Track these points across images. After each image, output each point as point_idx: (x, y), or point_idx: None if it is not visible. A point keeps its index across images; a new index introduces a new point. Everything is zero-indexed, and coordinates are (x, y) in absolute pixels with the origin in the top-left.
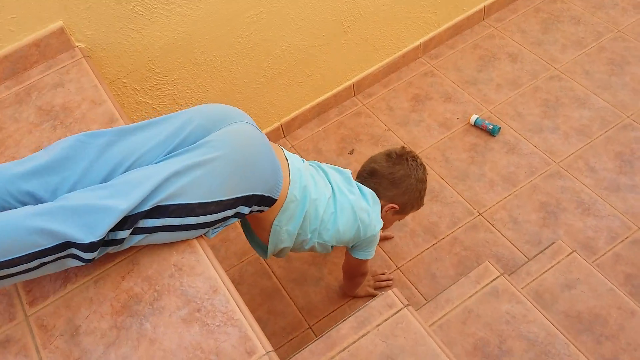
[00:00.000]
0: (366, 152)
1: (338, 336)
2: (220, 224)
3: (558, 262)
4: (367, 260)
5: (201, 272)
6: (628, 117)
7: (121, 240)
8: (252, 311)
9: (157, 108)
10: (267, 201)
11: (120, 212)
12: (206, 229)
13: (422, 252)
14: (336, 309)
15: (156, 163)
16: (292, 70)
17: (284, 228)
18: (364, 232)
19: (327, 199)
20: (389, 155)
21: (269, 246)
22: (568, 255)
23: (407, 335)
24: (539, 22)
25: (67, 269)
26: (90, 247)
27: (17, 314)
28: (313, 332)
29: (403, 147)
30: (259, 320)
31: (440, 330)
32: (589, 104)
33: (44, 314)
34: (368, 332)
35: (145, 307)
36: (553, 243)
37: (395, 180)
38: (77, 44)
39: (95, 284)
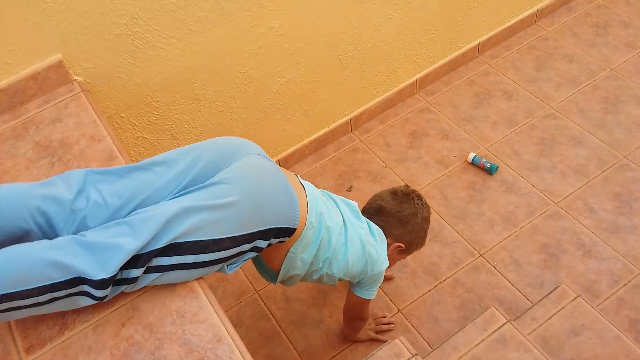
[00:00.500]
0: (364, 189)
1: None
2: (236, 258)
3: (563, 308)
4: (368, 301)
5: (204, 319)
6: (624, 156)
7: (134, 279)
8: (251, 355)
9: (155, 143)
10: (287, 232)
11: (131, 250)
12: (221, 265)
13: (423, 295)
14: (337, 354)
15: (168, 200)
16: (290, 106)
17: (299, 256)
18: (371, 268)
19: (339, 228)
20: (395, 193)
21: (280, 272)
22: (573, 300)
23: None
24: (533, 60)
25: (65, 316)
26: (101, 284)
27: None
28: None
29: (407, 186)
30: None
31: None
32: (585, 143)
33: None
34: None
35: (146, 357)
36: (557, 287)
37: (402, 218)
38: (75, 77)
39: (94, 330)
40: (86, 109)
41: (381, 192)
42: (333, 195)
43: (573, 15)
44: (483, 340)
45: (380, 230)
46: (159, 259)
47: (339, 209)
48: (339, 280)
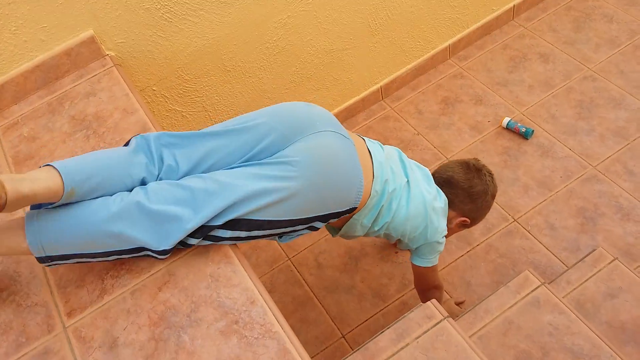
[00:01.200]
0: None
1: (376, 349)
2: (290, 235)
3: (599, 271)
4: (433, 268)
5: (238, 283)
6: None
7: (191, 245)
8: (285, 319)
9: (187, 115)
10: (348, 212)
11: (190, 228)
12: (272, 238)
13: (456, 260)
14: (369, 318)
15: (233, 168)
16: (319, 75)
17: (360, 221)
18: (431, 235)
19: (402, 190)
20: (467, 167)
21: (341, 231)
22: (610, 263)
23: (448, 349)
24: (571, 21)
25: (104, 282)
26: (162, 252)
27: (55, 325)
28: (346, 342)
29: (477, 160)
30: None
31: (480, 342)
32: (625, 105)
33: (81, 325)
34: (407, 344)
35: (182, 319)
36: (593, 250)
37: (473, 194)
38: (107, 52)
39: (132, 295)
40: (119, 82)
41: (450, 162)
42: (404, 156)
43: None
44: (516, 303)
45: (447, 201)
46: (217, 230)
47: (405, 171)
48: (397, 240)
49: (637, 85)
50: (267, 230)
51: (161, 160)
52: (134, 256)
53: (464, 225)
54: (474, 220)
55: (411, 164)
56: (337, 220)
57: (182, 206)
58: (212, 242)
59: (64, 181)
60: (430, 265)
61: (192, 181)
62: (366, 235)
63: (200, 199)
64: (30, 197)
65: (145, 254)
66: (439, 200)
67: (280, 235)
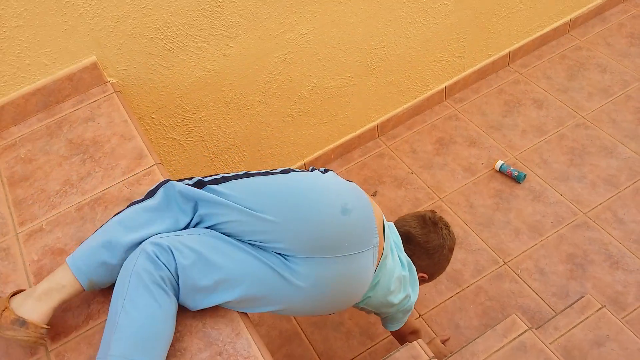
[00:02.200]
0: (389, 194)
1: None
2: None
3: (587, 318)
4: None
5: (224, 315)
6: None
7: None
8: (270, 354)
9: (184, 144)
10: None
11: None
12: None
13: (445, 301)
14: (356, 357)
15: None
16: (317, 110)
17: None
18: (402, 305)
19: (392, 274)
20: (423, 221)
21: None
22: (597, 310)
23: None
24: (565, 69)
25: (90, 307)
26: None
27: (38, 349)
28: None
29: (434, 212)
30: None
31: None
32: (617, 154)
33: (65, 350)
34: None
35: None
36: (582, 297)
37: (430, 249)
38: (109, 79)
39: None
40: (118, 109)
41: (407, 216)
42: (393, 230)
43: (607, 25)
44: (502, 347)
45: (410, 261)
46: None
47: (397, 253)
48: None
49: (629, 134)
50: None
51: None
52: None
53: (422, 281)
54: (432, 275)
55: (394, 240)
56: None
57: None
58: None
59: (78, 278)
60: (403, 324)
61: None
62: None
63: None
64: (57, 308)
65: None
66: (402, 265)
67: None
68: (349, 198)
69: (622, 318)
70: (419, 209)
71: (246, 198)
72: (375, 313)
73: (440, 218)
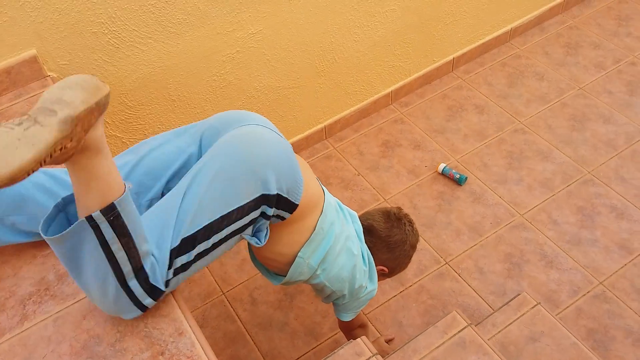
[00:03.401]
0: (336, 195)
1: None
2: (250, 227)
3: (523, 315)
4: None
5: (167, 314)
6: (589, 172)
7: (168, 283)
8: (215, 355)
9: (127, 142)
10: (288, 205)
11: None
12: (238, 236)
13: (389, 300)
14: (301, 356)
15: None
16: (265, 111)
17: (307, 261)
18: (357, 292)
19: (345, 240)
20: (387, 215)
21: (286, 277)
22: (533, 307)
23: None
24: (505, 76)
25: (25, 307)
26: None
27: None
28: None
29: (400, 209)
30: None
31: None
32: (552, 158)
33: None
34: None
35: (106, 349)
36: (518, 295)
37: (391, 244)
38: (49, 73)
39: (55, 322)
40: None
41: (373, 210)
42: (345, 207)
43: (545, 35)
44: (443, 343)
45: (370, 253)
46: (178, 259)
47: (351, 223)
48: (325, 296)
49: (563, 140)
50: (226, 229)
51: None
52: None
53: (382, 275)
54: (393, 270)
55: (351, 217)
56: (282, 263)
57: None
58: (184, 272)
59: None
60: (355, 316)
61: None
62: (307, 281)
63: (154, 237)
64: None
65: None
66: (362, 258)
67: (242, 233)
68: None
69: (556, 315)
70: (365, 210)
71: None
72: (331, 300)
73: (406, 215)
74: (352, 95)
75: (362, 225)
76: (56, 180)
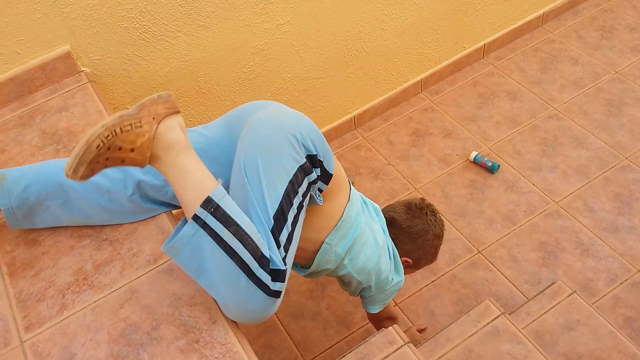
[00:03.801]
0: (365, 185)
1: None
2: (313, 185)
3: (558, 303)
4: (385, 308)
5: (200, 302)
6: (626, 158)
7: (285, 262)
8: (249, 344)
9: None
10: (325, 174)
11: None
12: (309, 194)
13: (420, 289)
14: (333, 345)
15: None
16: (294, 101)
17: (334, 248)
18: (383, 283)
19: (370, 232)
20: (408, 206)
21: (312, 265)
22: (568, 296)
23: None
24: (538, 62)
25: (65, 297)
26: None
27: (12, 339)
28: None
29: (423, 199)
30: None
31: None
32: (587, 144)
33: (39, 340)
34: None
35: (142, 337)
36: (553, 283)
37: (413, 234)
38: (83, 68)
39: (93, 311)
40: (92, 99)
41: (395, 203)
42: (369, 201)
43: (579, 19)
44: (476, 332)
45: (394, 246)
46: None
47: (375, 216)
48: (352, 289)
49: (599, 125)
50: (297, 197)
51: None
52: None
53: (408, 266)
54: (418, 261)
55: (376, 210)
56: (309, 251)
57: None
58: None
59: None
60: (382, 308)
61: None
62: (333, 272)
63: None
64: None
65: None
66: (390, 249)
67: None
68: None
69: (593, 303)
70: (395, 200)
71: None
72: (358, 292)
73: (428, 205)
74: (381, 85)
75: (385, 217)
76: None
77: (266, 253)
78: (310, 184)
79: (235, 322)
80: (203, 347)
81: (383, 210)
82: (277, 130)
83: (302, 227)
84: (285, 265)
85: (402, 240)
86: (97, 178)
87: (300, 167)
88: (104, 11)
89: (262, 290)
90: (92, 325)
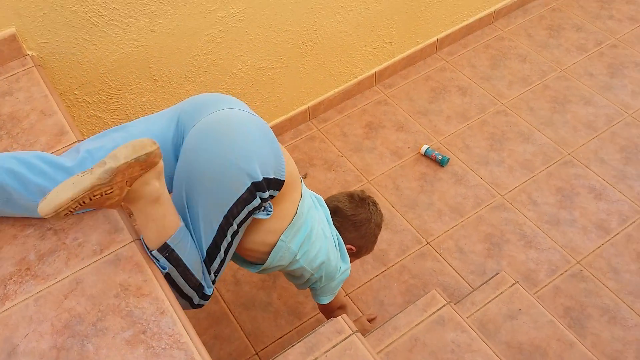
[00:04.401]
0: (319, 176)
1: None
2: (257, 211)
3: (501, 293)
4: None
5: (148, 293)
6: (568, 153)
7: (214, 282)
8: (198, 335)
9: (109, 122)
10: (276, 183)
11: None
12: (250, 218)
13: (371, 280)
14: (284, 335)
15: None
16: (248, 91)
17: (288, 245)
18: (332, 273)
19: (319, 224)
20: (351, 196)
21: (265, 263)
22: (511, 286)
23: None
24: (488, 58)
25: (6, 287)
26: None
27: None
28: (259, 358)
29: (363, 191)
30: (204, 345)
31: (387, 358)
32: (533, 140)
33: None
34: (316, 358)
35: (87, 328)
36: (497, 274)
37: (357, 223)
38: (28, 52)
39: (36, 302)
40: (38, 83)
41: (338, 194)
42: (311, 192)
43: (528, 17)
44: (423, 320)
45: (339, 235)
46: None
47: (319, 207)
48: (302, 282)
49: (544, 122)
50: (233, 224)
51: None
52: None
53: (351, 254)
54: (360, 249)
55: (319, 203)
56: (261, 251)
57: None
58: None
59: None
60: (333, 298)
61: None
62: (286, 267)
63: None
64: None
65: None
66: (335, 239)
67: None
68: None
69: (534, 293)
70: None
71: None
72: (308, 285)
73: (369, 196)
74: (336, 77)
75: (329, 206)
76: (28, 166)
77: (203, 282)
78: (254, 209)
79: (183, 313)
80: (150, 338)
81: (326, 200)
82: (225, 161)
83: (256, 232)
84: (213, 286)
85: (346, 228)
86: (41, 180)
87: (240, 198)
88: None
89: (191, 306)
90: (35, 316)
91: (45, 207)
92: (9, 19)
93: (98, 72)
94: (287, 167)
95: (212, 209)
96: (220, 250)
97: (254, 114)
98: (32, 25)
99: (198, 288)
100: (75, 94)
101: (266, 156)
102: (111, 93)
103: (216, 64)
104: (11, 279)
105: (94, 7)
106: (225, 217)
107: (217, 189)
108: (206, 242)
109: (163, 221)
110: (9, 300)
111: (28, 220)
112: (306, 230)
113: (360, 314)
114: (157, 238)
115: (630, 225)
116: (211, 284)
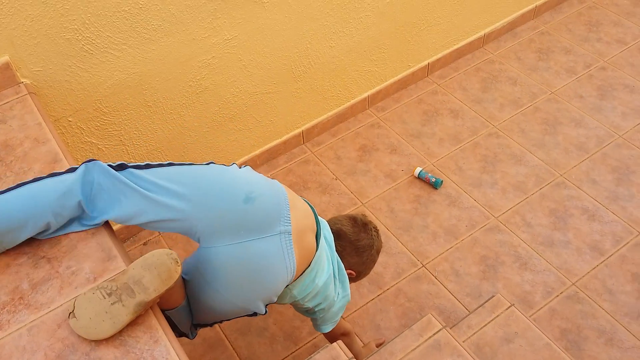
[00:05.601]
0: (314, 200)
1: None
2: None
3: (497, 316)
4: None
5: (142, 322)
6: (561, 175)
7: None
8: None
9: (103, 148)
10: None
11: None
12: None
13: (367, 303)
14: None
15: None
16: (242, 116)
17: (292, 292)
18: (331, 303)
19: (328, 277)
20: (354, 220)
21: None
22: (507, 309)
23: None
24: (479, 81)
25: (0, 316)
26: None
27: None
28: None
29: (364, 215)
30: None
31: None
32: (525, 162)
33: None
34: None
35: (81, 357)
36: (492, 297)
37: (359, 248)
38: (22, 79)
39: (29, 332)
40: (32, 111)
41: (340, 216)
42: (325, 227)
43: (517, 41)
44: (419, 345)
45: (341, 262)
46: None
47: (331, 254)
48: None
49: (536, 143)
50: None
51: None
52: None
53: (350, 279)
54: (359, 274)
55: (324, 225)
56: None
57: None
58: None
59: None
60: (334, 326)
61: None
62: (284, 303)
63: None
64: None
65: None
66: (335, 264)
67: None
68: (256, 187)
69: (530, 316)
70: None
71: (161, 184)
72: (309, 313)
73: (370, 221)
74: (329, 100)
75: (331, 229)
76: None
77: (187, 332)
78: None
79: (177, 341)
80: None
81: (329, 223)
82: (233, 300)
83: None
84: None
85: (348, 253)
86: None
87: (238, 316)
88: (45, 22)
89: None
90: (29, 346)
91: (86, 336)
92: (2, 47)
93: (92, 99)
94: (297, 260)
95: (211, 314)
96: (209, 325)
97: (269, 180)
98: (25, 54)
99: (180, 335)
100: (70, 121)
101: (274, 289)
102: (105, 119)
103: (210, 89)
104: (4, 308)
105: (88, 35)
106: (221, 320)
107: (222, 309)
108: (199, 320)
109: (169, 299)
110: (2, 330)
111: (22, 249)
112: (311, 276)
113: (357, 338)
114: (158, 304)
115: (624, 246)
116: (195, 332)
